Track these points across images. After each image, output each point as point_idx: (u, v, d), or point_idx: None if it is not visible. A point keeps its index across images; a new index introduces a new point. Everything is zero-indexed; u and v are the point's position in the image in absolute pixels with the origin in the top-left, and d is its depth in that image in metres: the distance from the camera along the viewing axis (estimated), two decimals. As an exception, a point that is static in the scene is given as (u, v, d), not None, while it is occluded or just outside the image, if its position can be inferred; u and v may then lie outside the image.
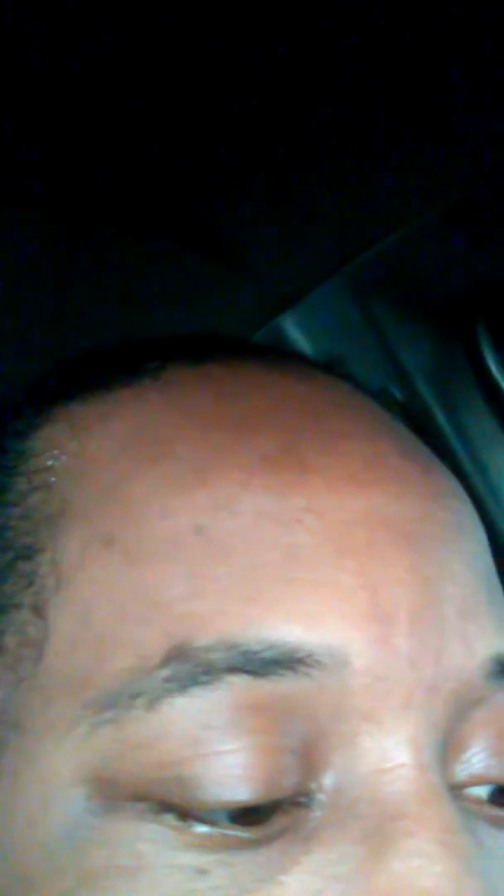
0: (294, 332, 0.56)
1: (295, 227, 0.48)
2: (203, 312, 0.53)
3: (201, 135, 0.39)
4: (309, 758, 0.26)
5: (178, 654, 0.26)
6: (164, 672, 0.26)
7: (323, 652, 0.26)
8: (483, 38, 0.33)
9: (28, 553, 0.30)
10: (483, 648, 0.29)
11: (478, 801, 0.28)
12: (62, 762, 0.27)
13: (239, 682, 0.26)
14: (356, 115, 0.38)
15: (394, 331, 0.57)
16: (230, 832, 0.26)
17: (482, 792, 0.29)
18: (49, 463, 0.31)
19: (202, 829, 0.25)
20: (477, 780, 0.28)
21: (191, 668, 0.26)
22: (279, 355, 0.36)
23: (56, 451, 0.31)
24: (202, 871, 0.25)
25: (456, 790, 0.28)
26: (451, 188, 0.45)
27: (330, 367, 0.36)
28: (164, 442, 0.30)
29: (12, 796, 0.28)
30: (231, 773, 0.25)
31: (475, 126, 0.39)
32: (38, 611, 0.29)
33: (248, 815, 0.26)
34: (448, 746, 0.28)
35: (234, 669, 0.26)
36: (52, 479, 0.31)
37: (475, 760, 0.28)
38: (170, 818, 0.26)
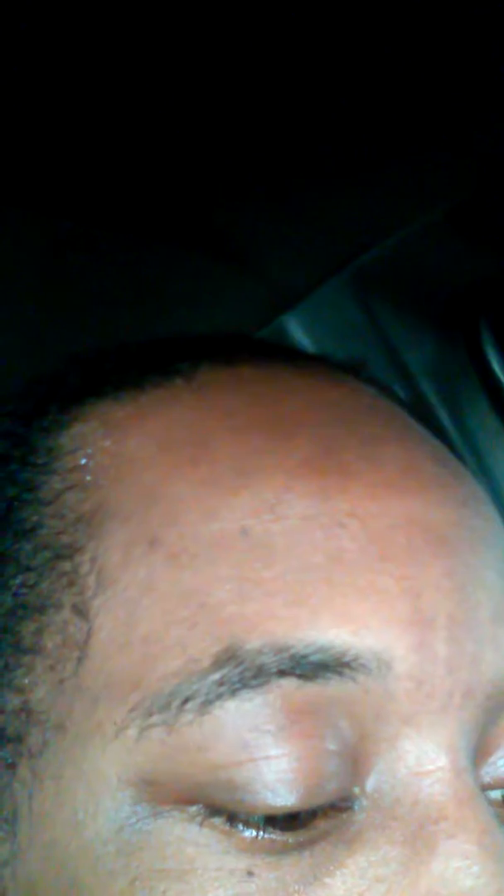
0: (297, 331, 0.56)
1: (298, 227, 0.48)
2: (206, 311, 0.53)
3: (205, 135, 0.39)
4: (353, 761, 0.27)
5: (228, 656, 0.26)
6: (216, 675, 0.26)
7: (368, 656, 0.27)
8: (485, 39, 0.33)
9: (67, 552, 0.30)
10: None
11: (496, 803, 0.29)
12: (109, 765, 0.27)
13: (288, 685, 0.26)
14: (360, 115, 0.38)
15: (396, 330, 0.57)
16: (276, 836, 0.26)
17: (499, 795, 0.29)
18: (83, 461, 0.31)
19: (249, 832, 0.26)
20: (500, 784, 0.29)
21: (242, 670, 0.26)
22: (306, 358, 0.36)
23: (90, 450, 0.31)
24: (250, 874, 0.26)
25: (483, 792, 0.28)
26: (454, 187, 0.45)
27: (354, 370, 0.36)
28: (202, 443, 0.30)
29: (56, 798, 0.28)
30: (281, 778, 0.26)
31: (479, 125, 0.39)
32: (80, 611, 0.29)
33: (294, 819, 0.26)
34: (478, 750, 0.28)
35: (283, 672, 0.26)
36: (88, 477, 0.31)
37: (500, 764, 0.29)
38: (218, 822, 0.26)
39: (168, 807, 0.26)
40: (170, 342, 0.36)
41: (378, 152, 0.41)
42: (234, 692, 0.26)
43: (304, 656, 0.26)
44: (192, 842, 0.26)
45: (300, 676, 0.26)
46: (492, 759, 0.29)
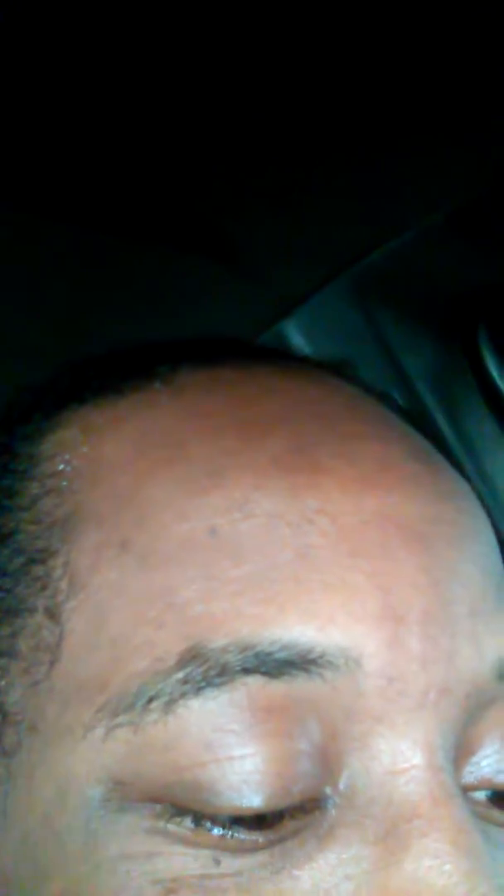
0: (296, 336, 0.56)
1: (297, 231, 0.48)
2: (206, 316, 0.53)
3: (204, 138, 0.39)
4: (323, 760, 0.26)
5: (192, 655, 0.26)
6: (180, 674, 0.26)
7: (335, 653, 0.26)
8: (486, 40, 0.33)
9: (41, 556, 0.30)
10: (493, 650, 0.29)
11: (482, 804, 0.29)
12: (78, 764, 0.27)
13: (253, 683, 0.26)
14: (359, 119, 0.38)
15: (395, 335, 0.57)
16: (245, 836, 0.26)
17: (489, 796, 0.29)
18: (60, 467, 0.31)
19: (217, 831, 0.26)
20: (484, 784, 0.28)
21: (205, 669, 0.26)
22: (290, 359, 0.36)
23: (67, 456, 0.31)
24: (217, 861, 0.26)
25: (465, 792, 0.28)
26: (454, 192, 0.45)
27: (339, 370, 0.36)
28: (177, 445, 0.30)
29: (28, 797, 0.28)
30: (247, 779, 0.26)
31: (479, 129, 0.39)
32: (52, 614, 0.29)
33: (263, 819, 0.26)
34: (459, 749, 0.28)
35: (248, 670, 0.26)
36: (64, 482, 0.31)
37: (484, 764, 0.28)
38: (184, 821, 0.26)
39: (135, 805, 0.26)
40: (153, 346, 0.36)
41: (377, 156, 0.41)
42: (197, 691, 0.26)
43: (269, 654, 0.26)
44: (160, 833, 0.26)
45: (265, 674, 0.26)
46: (475, 759, 0.28)
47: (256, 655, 0.26)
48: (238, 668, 0.26)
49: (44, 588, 0.29)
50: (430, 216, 0.47)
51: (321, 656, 0.26)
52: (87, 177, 0.41)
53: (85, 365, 0.35)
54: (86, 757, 0.27)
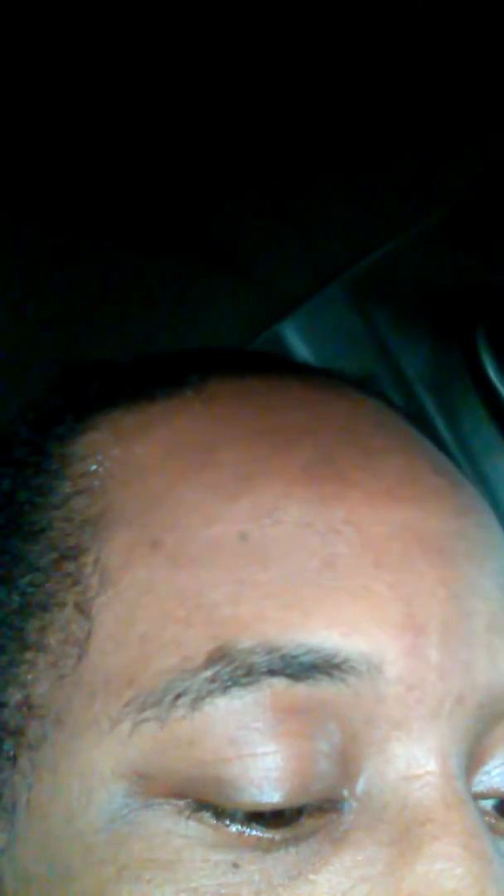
0: (294, 338, 0.56)
1: (295, 234, 0.48)
2: (203, 318, 0.53)
3: (202, 142, 0.39)
4: (342, 762, 0.27)
5: (220, 655, 0.27)
6: (208, 672, 0.27)
7: (359, 658, 0.27)
8: (483, 46, 0.33)
9: (72, 553, 0.30)
10: None
11: (491, 814, 0.29)
12: (103, 758, 0.28)
13: (278, 684, 0.27)
14: (356, 122, 0.38)
15: (393, 337, 0.57)
16: (262, 833, 0.26)
17: (496, 805, 0.29)
18: (92, 468, 0.32)
19: (235, 827, 0.26)
20: (492, 793, 0.29)
21: (233, 669, 0.27)
22: (315, 371, 0.37)
23: (100, 457, 0.32)
24: (235, 866, 0.26)
25: (475, 800, 0.28)
26: (451, 195, 0.45)
27: (362, 384, 0.37)
28: (208, 450, 0.31)
29: (51, 789, 0.28)
30: (267, 775, 0.26)
31: (476, 133, 0.39)
32: (82, 609, 0.29)
33: (280, 816, 0.27)
34: (471, 758, 0.29)
35: (273, 672, 0.27)
36: (97, 482, 0.32)
37: (494, 773, 0.29)
38: (205, 816, 0.27)
39: (159, 800, 0.27)
40: (183, 355, 0.37)
41: (375, 159, 0.41)
42: (224, 689, 0.27)
43: (295, 657, 0.27)
44: (180, 834, 0.26)
45: (290, 676, 0.27)
46: (486, 768, 0.29)
47: (282, 658, 0.27)
48: (264, 670, 0.27)
49: (75, 584, 0.30)
50: (427, 219, 0.47)
51: (345, 661, 0.27)
52: (87, 181, 0.41)
53: (115, 370, 0.36)
54: (111, 751, 0.27)
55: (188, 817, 0.27)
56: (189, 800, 0.27)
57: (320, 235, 0.48)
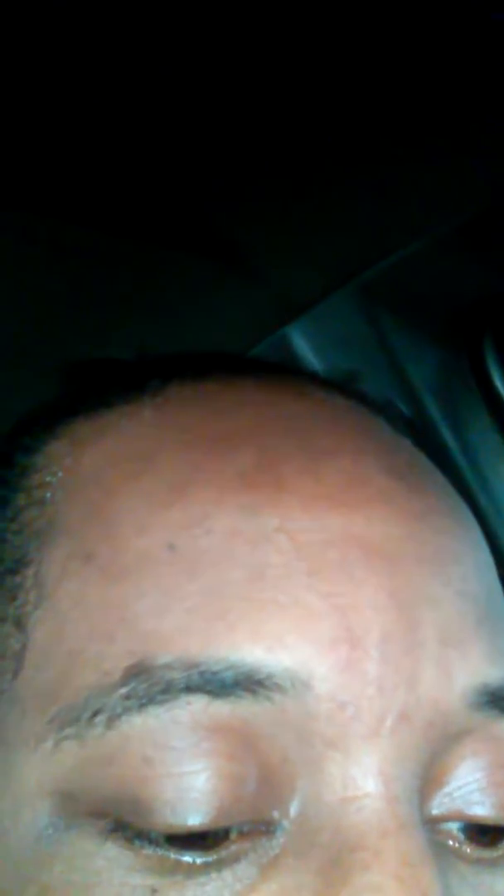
0: (301, 342, 0.56)
1: (304, 237, 0.48)
2: (209, 320, 0.53)
3: (211, 141, 0.39)
4: (272, 785, 0.26)
5: (138, 671, 0.26)
6: (124, 689, 0.26)
7: (283, 675, 0.26)
8: (498, 47, 0.33)
9: (15, 567, 0.30)
10: (465, 677, 0.28)
11: (456, 838, 0.27)
12: (31, 776, 0.27)
13: (197, 702, 0.25)
14: (369, 126, 0.38)
15: (401, 344, 0.57)
16: (183, 857, 0.25)
17: (461, 829, 0.28)
18: (47, 479, 0.31)
19: (153, 851, 0.25)
20: (454, 816, 0.27)
21: (149, 686, 0.26)
22: (284, 372, 0.35)
23: (54, 468, 0.31)
24: (154, 891, 0.25)
25: (433, 824, 0.27)
26: (463, 202, 0.44)
27: (337, 384, 0.36)
28: (147, 458, 0.30)
29: None
30: (183, 796, 0.25)
31: (491, 139, 0.39)
32: (20, 624, 0.29)
33: (203, 840, 0.25)
34: (427, 779, 0.27)
35: (191, 689, 0.25)
36: (48, 494, 0.31)
37: (456, 795, 0.27)
38: (124, 838, 0.25)
39: (81, 820, 0.26)
40: (148, 359, 0.36)
41: (387, 165, 0.41)
42: (140, 707, 0.25)
43: (215, 673, 0.25)
44: (102, 856, 0.25)
45: (209, 693, 0.25)
46: (447, 790, 0.27)
47: (201, 674, 0.26)
48: (182, 686, 0.25)
49: (14, 598, 0.29)
50: (439, 227, 0.47)
51: (268, 678, 0.26)
52: (94, 178, 0.41)
53: (84, 376, 0.36)
54: (37, 768, 0.27)
55: (108, 839, 0.25)
56: (109, 820, 0.26)
57: (330, 240, 0.48)
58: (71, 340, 0.52)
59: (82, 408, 0.33)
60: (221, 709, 0.25)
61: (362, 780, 0.26)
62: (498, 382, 0.58)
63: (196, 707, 0.25)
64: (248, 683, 0.25)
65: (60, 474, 0.31)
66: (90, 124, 0.37)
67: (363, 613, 0.27)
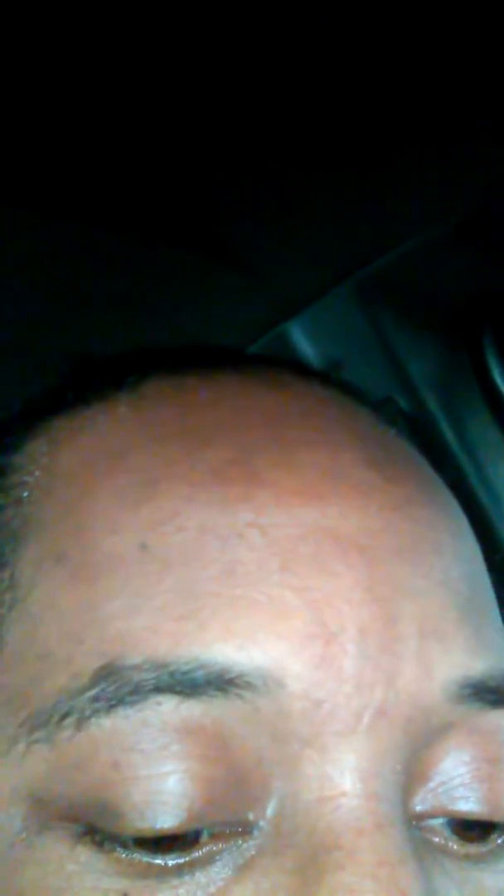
0: (300, 339, 0.56)
1: (303, 234, 0.48)
2: (208, 317, 0.53)
3: (210, 140, 0.39)
4: (246, 785, 0.25)
5: (107, 673, 0.25)
6: (92, 691, 0.25)
7: (254, 673, 0.25)
8: (494, 51, 0.33)
9: None
10: (446, 670, 0.27)
11: (441, 834, 0.27)
12: (3, 780, 0.26)
13: (167, 702, 0.25)
14: (366, 124, 0.38)
15: (400, 340, 0.57)
16: (154, 860, 0.25)
17: (447, 825, 0.27)
18: (25, 479, 0.31)
19: (125, 854, 0.25)
20: (438, 811, 0.27)
21: (117, 687, 0.25)
22: (266, 364, 0.34)
23: (32, 467, 0.31)
24: (125, 895, 0.24)
25: (418, 821, 0.27)
26: (461, 199, 0.45)
27: (321, 375, 0.35)
28: (120, 455, 0.29)
29: None
30: (152, 799, 0.25)
31: (488, 137, 0.39)
32: None
33: (174, 842, 0.25)
34: (410, 775, 0.26)
35: (161, 689, 0.25)
36: (25, 493, 0.30)
37: (440, 790, 0.27)
38: (95, 842, 0.25)
39: (53, 824, 0.26)
40: (127, 355, 0.35)
41: (386, 162, 0.41)
42: (109, 709, 0.25)
43: (185, 673, 0.25)
44: (73, 860, 0.25)
45: (179, 694, 0.25)
46: (430, 785, 0.27)
47: (171, 674, 0.25)
48: (151, 687, 0.25)
49: None
50: (436, 223, 0.47)
51: (239, 676, 0.25)
52: (93, 176, 0.41)
53: (65, 374, 0.35)
54: (10, 772, 0.26)
55: (79, 843, 0.25)
56: (81, 824, 0.25)
57: (329, 236, 0.48)
58: (70, 338, 0.52)
59: (61, 406, 0.32)
60: (192, 709, 0.25)
61: (339, 778, 0.25)
62: (497, 378, 0.58)
63: (166, 708, 0.25)
64: (219, 683, 0.25)
65: (37, 473, 0.30)
66: (92, 124, 0.37)
67: (339, 608, 0.26)
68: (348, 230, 0.48)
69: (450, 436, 0.58)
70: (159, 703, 0.25)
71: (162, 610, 0.26)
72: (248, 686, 0.25)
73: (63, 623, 0.27)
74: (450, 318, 0.58)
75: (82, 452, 0.30)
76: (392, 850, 0.25)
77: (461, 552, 0.31)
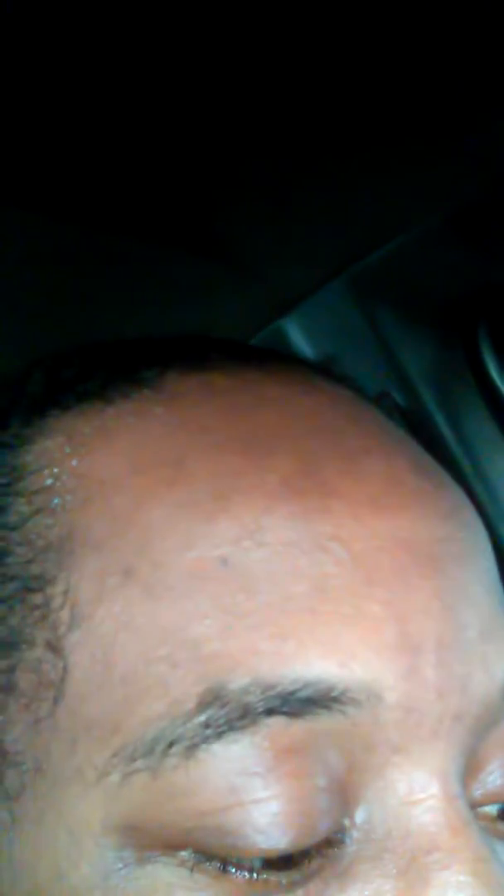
0: (295, 334, 0.56)
1: (297, 230, 0.48)
2: (204, 314, 0.53)
3: (203, 137, 0.38)
4: (342, 794, 0.26)
5: (213, 697, 0.25)
6: (201, 717, 0.25)
7: (358, 688, 0.26)
8: (487, 42, 0.33)
9: (37, 584, 0.28)
10: (502, 670, 0.28)
11: (489, 817, 0.28)
12: (91, 811, 0.26)
13: (276, 724, 0.25)
14: (359, 118, 0.38)
15: (395, 335, 0.57)
16: (269, 877, 0.25)
17: (493, 809, 0.28)
18: (48, 482, 0.29)
19: (242, 875, 0.25)
20: (492, 799, 0.28)
21: (227, 712, 0.25)
22: (278, 360, 0.34)
23: (55, 469, 0.29)
24: None
25: (476, 809, 0.28)
26: (455, 192, 0.44)
27: (328, 370, 0.35)
28: (176, 463, 0.28)
29: (36, 844, 0.26)
30: (272, 821, 0.25)
31: (479, 130, 0.39)
32: (54, 648, 0.27)
33: (287, 859, 0.25)
34: (468, 770, 0.28)
35: (271, 711, 0.25)
36: (56, 500, 0.29)
37: (490, 780, 0.28)
38: (210, 867, 0.25)
39: (156, 852, 0.25)
40: (133, 345, 0.34)
41: (378, 156, 0.41)
42: (219, 735, 0.25)
43: (292, 693, 0.25)
44: (184, 886, 0.25)
45: (288, 714, 0.25)
46: (482, 776, 0.28)
47: (279, 696, 0.25)
48: (261, 710, 0.25)
49: (43, 619, 0.27)
50: (430, 217, 0.47)
51: (343, 693, 0.25)
52: (88, 175, 0.41)
53: (58, 364, 0.33)
54: (100, 803, 0.26)
55: (191, 869, 0.25)
56: (190, 850, 0.25)
57: (323, 232, 0.48)
58: (65, 335, 0.52)
59: (73, 401, 0.31)
60: (298, 728, 0.25)
61: (426, 781, 0.26)
62: (493, 372, 0.58)
63: (275, 729, 0.25)
64: (325, 701, 0.25)
65: (65, 478, 0.29)
66: (89, 123, 0.37)
67: (419, 619, 0.27)
68: (342, 225, 0.48)
69: (446, 431, 0.58)
70: (268, 726, 0.25)
71: (256, 629, 0.26)
72: (352, 701, 0.26)
73: (145, 644, 0.26)
74: (445, 313, 0.58)
75: (123, 456, 0.29)
76: (483, 847, 0.26)
77: (491, 556, 0.32)
